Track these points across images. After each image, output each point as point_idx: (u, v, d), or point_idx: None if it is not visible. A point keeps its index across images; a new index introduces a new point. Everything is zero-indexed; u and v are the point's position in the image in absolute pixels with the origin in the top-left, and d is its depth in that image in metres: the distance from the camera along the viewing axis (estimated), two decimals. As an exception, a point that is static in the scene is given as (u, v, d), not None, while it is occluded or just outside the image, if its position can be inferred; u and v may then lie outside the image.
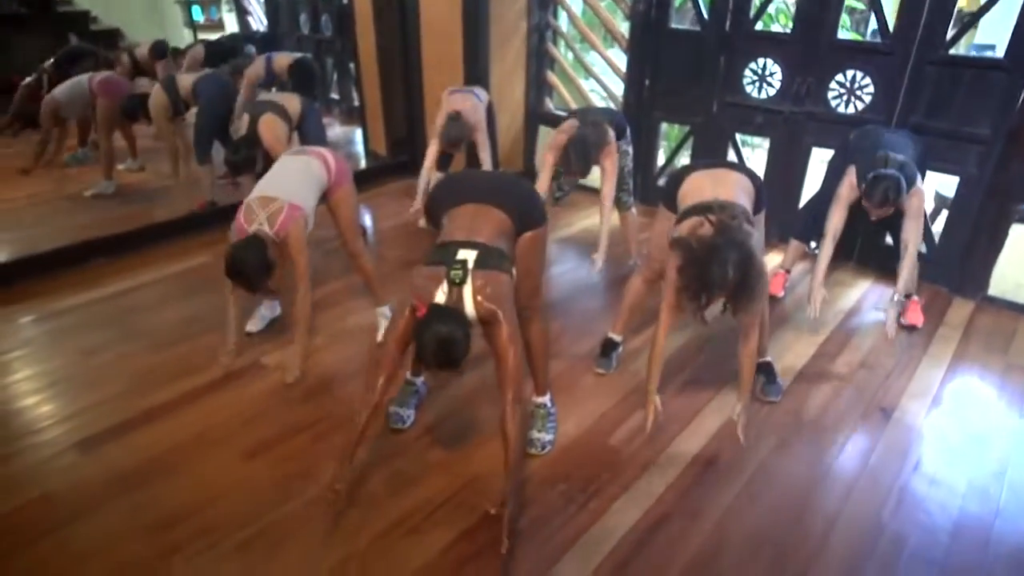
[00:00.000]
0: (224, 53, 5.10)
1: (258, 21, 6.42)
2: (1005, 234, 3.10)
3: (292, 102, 3.43)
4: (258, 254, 2.32)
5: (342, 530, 1.91)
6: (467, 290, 1.78)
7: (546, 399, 2.31)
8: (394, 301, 3.03)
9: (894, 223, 2.95)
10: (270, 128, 3.23)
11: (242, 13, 6.19)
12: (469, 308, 1.78)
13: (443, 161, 3.81)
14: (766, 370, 2.55)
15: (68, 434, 2.29)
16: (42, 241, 3.59)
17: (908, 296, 3.05)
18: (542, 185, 3.09)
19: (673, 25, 3.85)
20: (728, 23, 3.63)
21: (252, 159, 3.12)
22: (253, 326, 2.90)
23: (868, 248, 3.55)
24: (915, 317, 3.02)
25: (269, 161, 3.18)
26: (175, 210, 4.07)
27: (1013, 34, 2.88)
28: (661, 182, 4.36)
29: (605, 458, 2.22)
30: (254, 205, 2.42)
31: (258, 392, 2.54)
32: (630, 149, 3.21)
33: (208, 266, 3.54)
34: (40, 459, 2.18)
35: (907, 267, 2.68)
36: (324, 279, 3.38)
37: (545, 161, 3.10)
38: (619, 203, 3.27)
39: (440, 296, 1.78)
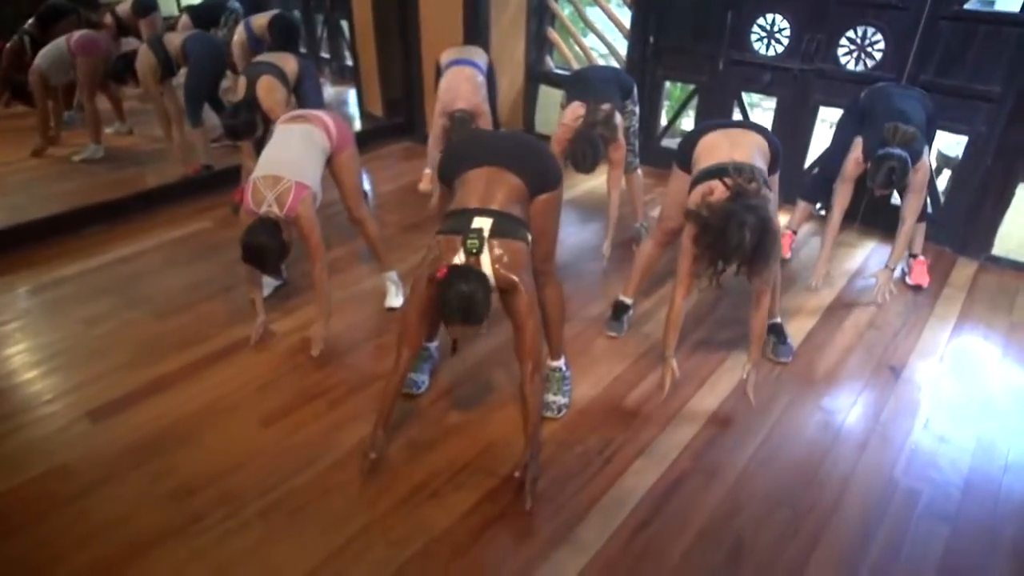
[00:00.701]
0: (211, 13, 4.90)
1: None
2: (1012, 194, 3.10)
3: (289, 63, 3.32)
4: (273, 239, 2.28)
5: (363, 496, 1.91)
6: (484, 259, 1.76)
7: (561, 363, 2.31)
8: (399, 268, 3.01)
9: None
10: (268, 91, 3.12)
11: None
12: (488, 276, 1.76)
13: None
14: (776, 331, 2.55)
15: (76, 405, 2.26)
16: (33, 209, 3.50)
17: (914, 256, 3.06)
18: None
19: None
20: (736, -23, 3.54)
21: (252, 123, 3.03)
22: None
23: (874, 209, 3.53)
24: (920, 277, 3.03)
25: (267, 124, 3.09)
26: (169, 175, 3.97)
27: (1029, -11, 2.83)
28: (665, 142, 4.31)
29: (621, 420, 2.23)
30: (260, 186, 2.34)
31: (269, 359, 2.51)
32: (636, 108, 3.14)
33: (208, 231, 3.49)
34: (49, 431, 2.16)
35: (902, 239, 2.71)
36: (328, 245, 3.26)
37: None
38: (625, 164, 3.22)
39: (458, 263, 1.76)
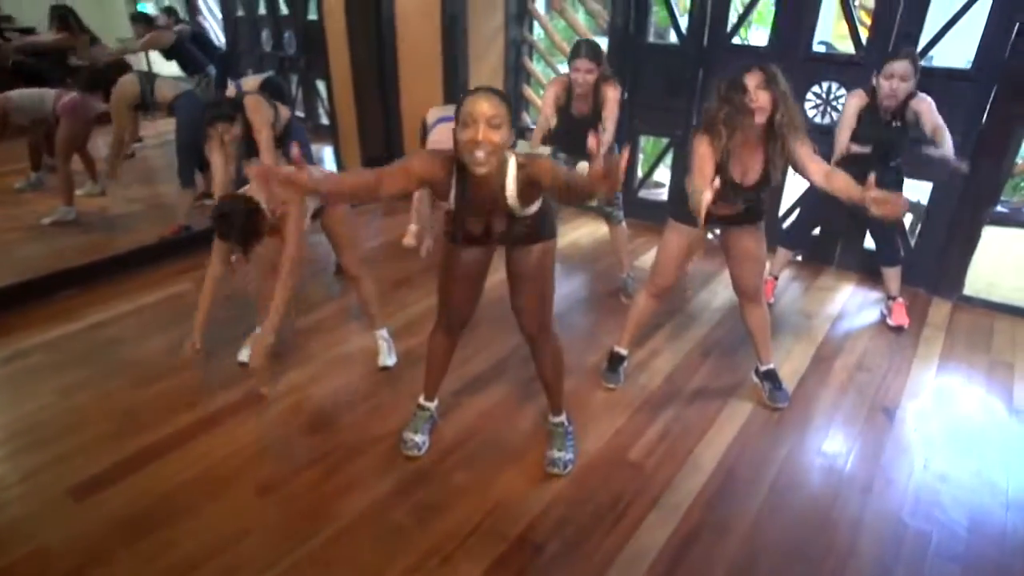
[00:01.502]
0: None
1: (215, 39, 6.24)
2: (978, 236, 3.25)
3: (283, 109, 3.34)
4: (244, 206, 2.26)
5: (373, 565, 1.83)
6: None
7: (563, 418, 2.28)
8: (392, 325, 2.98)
9: (873, 223, 3.07)
10: (255, 108, 3.11)
11: (193, 13, 5.98)
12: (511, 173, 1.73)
13: None
14: (771, 377, 2.59)
15: (55, 482, 2.13)
16: (1, 274, 3.36)
17: (893, 298, 3.16)
18: (535, 139, 3.08)
19: (651, 40, 3.91)
20: (706, 38, 3.72)
21: (232, 116, 3.02)
22: (247, 355, 2.76)
23: (848, 252, 3.67)
24: (900, 318, 3.13)
25: (249, 143, 3.08)
26: (144, 236, 3.87)
27: (979, 48, 3.04)
28: (642, 194, 4.42)
29: (628, 474, 2.20)
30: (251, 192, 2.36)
31: (260, 424, 2.42)
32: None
33: (187, 294, 3.39)
34: (27, 512, 2.02)
35: (947, 146, 2.64)
36: (316, 303, 3.29)
37: (545, 101, 3.06)
38: (609, 217, 3.28)
39: None
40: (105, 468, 2.18)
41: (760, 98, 1.99)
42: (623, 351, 2.71)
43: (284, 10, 6.06)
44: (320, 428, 2.40)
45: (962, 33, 3.09)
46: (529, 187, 1.75)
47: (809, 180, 2.11)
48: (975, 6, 3.01)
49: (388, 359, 2.77)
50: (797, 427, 2.45)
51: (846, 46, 3.45)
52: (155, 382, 2.65)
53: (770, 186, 2.18)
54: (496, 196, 1.76)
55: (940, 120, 2.71)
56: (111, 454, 2.25)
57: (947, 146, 2.64)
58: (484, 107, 1.58)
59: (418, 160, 1.75)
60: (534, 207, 1.84)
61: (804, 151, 2.07)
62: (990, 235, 3.26)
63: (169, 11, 5.31)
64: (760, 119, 2.02)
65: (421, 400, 2.35)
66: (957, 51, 3.35)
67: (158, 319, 3.14)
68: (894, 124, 2.82)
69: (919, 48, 3.13)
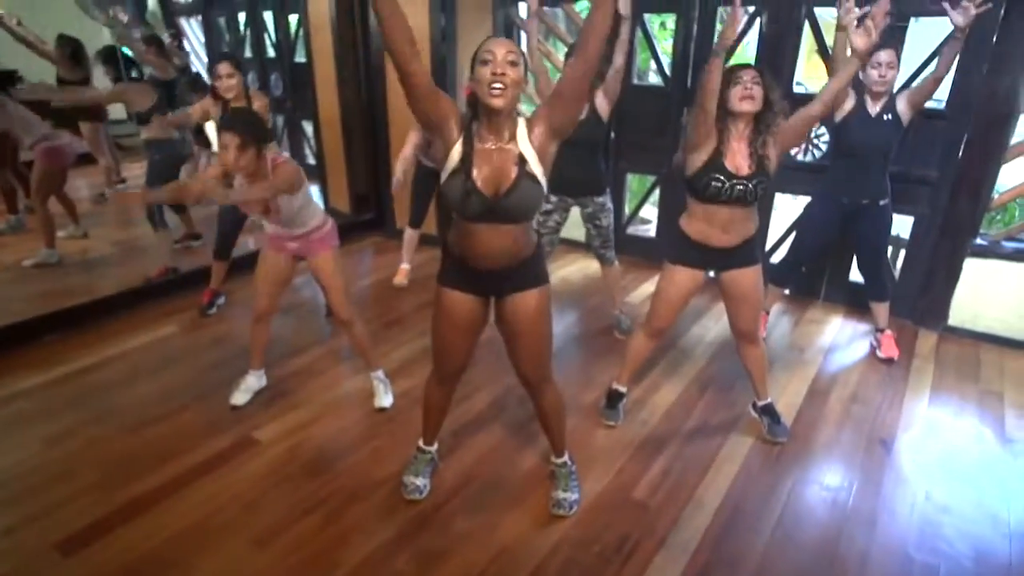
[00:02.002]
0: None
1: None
2: (960, 268, 3.34)
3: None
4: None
5: (377, 618, 1.77)
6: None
7: (565, 458, 2.25)
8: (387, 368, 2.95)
9: (861, 258, 3.15)
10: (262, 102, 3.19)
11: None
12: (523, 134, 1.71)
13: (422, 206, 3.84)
14: (770, 412, 2.60)
15: (42, 536, 2.04)
16: (-17, 318, 3.28)
17: (881, 330, 3.21)
18: None
19: (635, 82, 4.02)
20: (690, 79, 3.83)
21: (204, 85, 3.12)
22: (239, 399, 2.72)
23: (834, 286, 3.74)
24: (890, 350, 3.17)
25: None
26: (128, 278, 3.81)
27: (951, 88, 3.17)
28: (630, 230, 4.48)
29: (633, 513, 2.18)
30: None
31: (255, 472, 2.35)
32: (611, 205, 3.19)
33: (174, 337, 3.33)
34: (13, 567, 1.93)
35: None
36: (307, 345, 3.24)
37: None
38: (603, 259, 3.27)
39: None
40: (94, 521, 2.10)
41: (754, 90, 2.10)
42: (622, 388, 2.70)
43: (271, 53, 6.15)
44: (317, 473, 2.34)
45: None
46: (545, 140, 1.72)
47: (817, 120, 2.23)
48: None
49: (385, 400, 2.74)
50: (798, 461, 2.45)
51: (818, 85, 3.57)
52: (144, 429, 2.58)
53: (768, 177, 2.20)
54: (504, 166, 1.69)
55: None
56: (100, 506, 2.17)
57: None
58: (502, 46, 1.63)
59: (445, 98, 1.71)
60: (541, 176, 1.74)
61: (793, 120, 2.18)
62: (971, 267, 3.34)
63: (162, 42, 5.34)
64: (750, 108, 2.11)
65: (421, 444, 2.31)
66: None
67: (145, 363, 3.07)
68: (885, 118, 2.87)
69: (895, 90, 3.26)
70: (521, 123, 1.72)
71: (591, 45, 1.62)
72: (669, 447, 2.52)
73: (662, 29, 5.38)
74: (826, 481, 2.36)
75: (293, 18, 5.56)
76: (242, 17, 6.28)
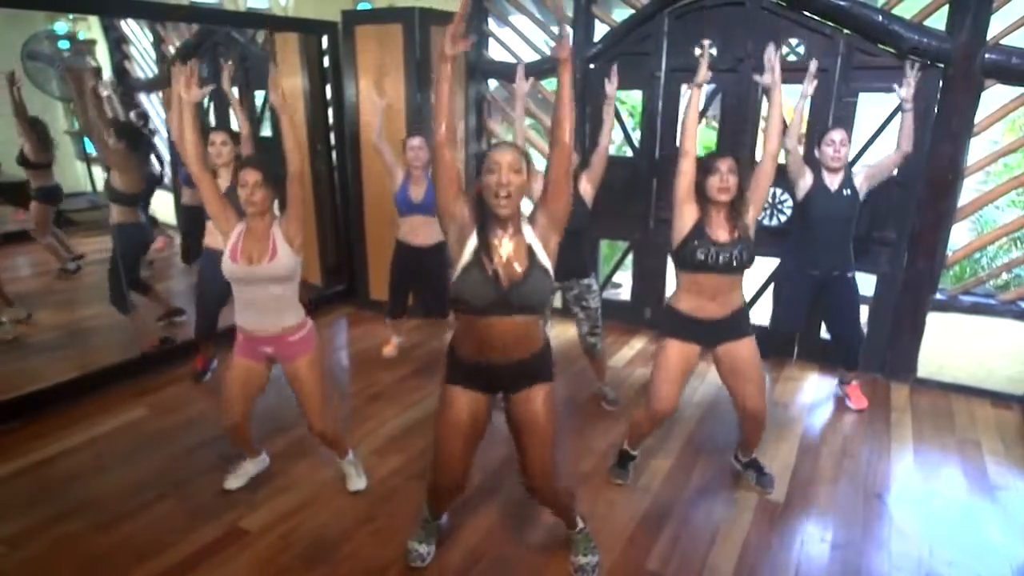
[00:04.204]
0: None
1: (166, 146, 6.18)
2: (923, 322, 3.52)
3: None
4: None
5: None
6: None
7: (580, 524, 2.22)
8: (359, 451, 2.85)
9: (833, 331, 3.28)
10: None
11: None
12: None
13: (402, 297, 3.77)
14: (755, 465, 2.66)
15: (8, 653, 1.84)
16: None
17: (846, 383, 3.34)
18: None
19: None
20: (657, 150, 4.02)
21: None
22: (233, 482, 2.56)
23: (807, 345, 3.87)
24: (859, 402, 3.31)
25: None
26: (85, 361, 3.58)
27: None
28: (604, 295, 4.55)
29: (650, 586, 2.13)
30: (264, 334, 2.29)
31: (246, 565, 2.20)
32: (596, 285, 3.21)
33: (144, 420, 3.15)
34: None
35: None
36: (291, 423, 3.09)
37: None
38: (591, 349, 3.24)
39: None
40: (68, 632, 1.91)
41: (729, 181, 2.23)
42: (634, 452, 2.68)
43: (235, 127, 6.14)
44: (315, 563, 2.21)
45: (887, 143, 3.48)
46: (547, 231, 1.82)
47: (776, 154, 2.38)
48: (896, 118, 3.41)
49: (358, 483, 2.59)
50: (802, 521, 2.46)
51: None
52: (118, 524, 2.39)
53: (749, 243, 2.29)
54: (515, 258, 1.77)
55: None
56: (74, 614, 1.97)
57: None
58: (506, 155, 1.73)
59: (467, 202, 1.82)
60: (549, 267, 1.81)
61: (757, 173, 2.35)
62: (933, 321, 3.52)
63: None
64: (726, 198, 2.25)
65: (427, 513, 2.24)
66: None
67: (115, 451, 2.87)
68: (845, 192, 3.05)
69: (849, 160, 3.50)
70: (524, 219, 1.83)
71: (565, 135, 1.77)
72: (674, 513, 2.49)
73: (621, 103, 5.65)
74: (832, 539, 2.36)
75: (259, 94, 5.61)
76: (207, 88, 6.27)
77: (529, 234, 1.80)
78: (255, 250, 2.22)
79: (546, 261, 1.80)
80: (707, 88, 3.94)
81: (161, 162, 5.25)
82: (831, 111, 3.51)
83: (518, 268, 1.76)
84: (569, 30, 1.68)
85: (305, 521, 2.41)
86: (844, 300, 3.19)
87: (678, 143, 2.38)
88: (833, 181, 3.06)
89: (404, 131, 4.04)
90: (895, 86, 3.04)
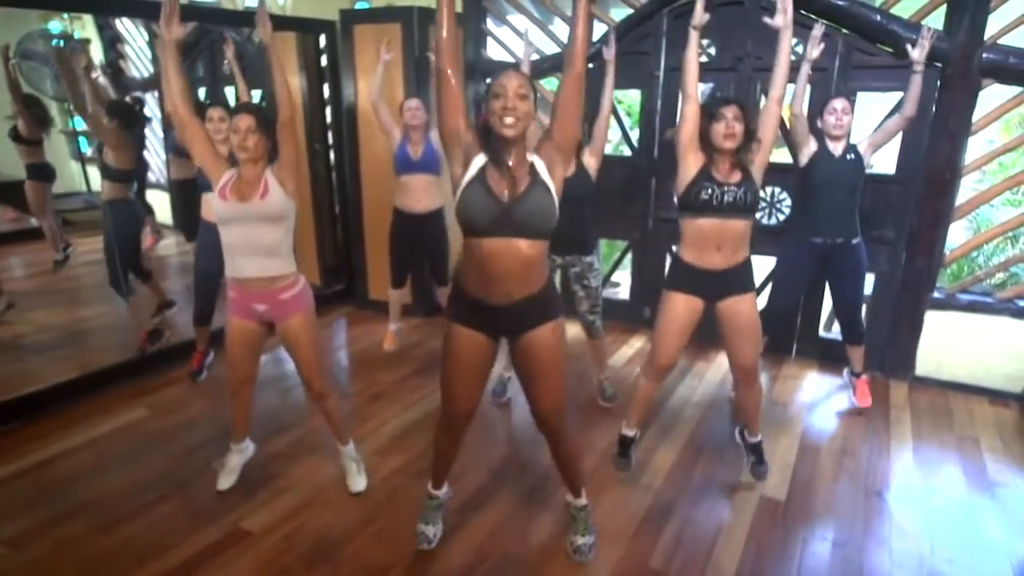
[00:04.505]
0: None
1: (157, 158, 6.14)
2: (921, 320, 3.53)
3: None
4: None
5: None
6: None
7: (583, 498, 2.26)
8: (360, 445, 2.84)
9: (839, 306, 3.28)
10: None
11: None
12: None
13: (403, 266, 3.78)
14: (757, 451, 2.65)
15: (10, 656, 1.83)
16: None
17: (857, 375, 3.33)
18: None
19: (606, 152, 4.18)
20: (656, 150, 4.03)
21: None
22: (225, 482, 2.55)
23: (805, 342, 3.88)
24: (865, 399, 3.30)
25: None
26: (85, 360, 3.58)
27: (899, 156, 3.45)
28: (604, 293, 4.55)
29: (654, 584, 2.13)
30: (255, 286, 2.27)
31: (249, 566, 2.19)
32: (598, 264, 3.26)
33: (144, 421, 3.13)
34: None
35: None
36: (290, 424, 3.10)
37: None
38: (591, 328, 3.26)
39: None
40: (71, 634, 1.90)
41: (735, 128, 2.24)
42: (631, 432, 2.69)
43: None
44: (318, 564, 2.20)
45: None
46: (552, 153, 1.82)
47: (777, 113, 2.35)
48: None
49: (359, 483, 2.57)
50: (803, 518, 2.47)
51: (778, 155, 3.80)
52: (119, 525, 2.38)
53: (754, 184, 2.31)
54: (517, 176, 1.77)
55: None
56: (77, 616, 1.96)
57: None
58: (512, 80, 1.72)
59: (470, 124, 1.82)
60: (552, 187, 1.80)
61: (764, 117, 2.34)
62: (931, 319, 3.53)
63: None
64: (731, 145, 2.26)
65: (430, 489, 2.27)
66: (883, 158, 3.74)
67: (115, 452, 2.86)
68: (848, 157, 3.03)
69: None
70: (533, 155, 1.82)
71: (578, 59, 1.76)
72: (676, 512, 2.49)
73: (618, 102, 5.66)
74: (834, 537, 2.37)
75: (256, 94, 5.59)
76: (202, 93, 6.27)
77: (534, 156, 1.80)
78: (246, 189, 2.20)
79: (549, 180, 1.78)
80: (706, 87, 3.97)
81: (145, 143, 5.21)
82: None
83: (520, 184, 1.76)
84: (595, 24, 1.69)
85: (307, 522, 2.41)
86: (850, 266, 3.14)
87: (680, 88, 2.39)
88: (836, 148, 3.05)
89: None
90: (908, 47, 3.02)
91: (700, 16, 2.39)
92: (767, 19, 2.47)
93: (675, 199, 2.41)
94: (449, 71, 1.75)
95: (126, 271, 3.81)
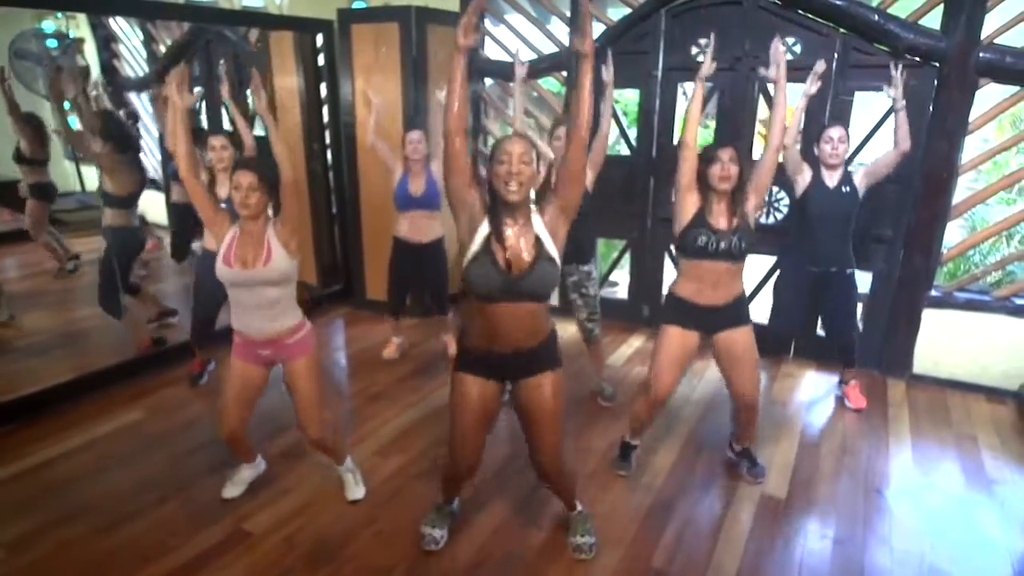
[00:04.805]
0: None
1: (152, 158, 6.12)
2: (919, 318, 3.55)
3: None
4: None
5: None
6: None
7: (579, 507, 2.31)
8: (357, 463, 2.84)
9: (830, 328, 3.30)
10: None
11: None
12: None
13: (401, 296, 3.76)
14: (748, 455, 2.70)
15: (12, 659, 1.82)
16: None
17: (846, 383, 3.35)
18: None
19: (604, 151, 4.19)
20: (655, 149, 4.03)
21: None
22: (232, 491, 2.53)
23: (803, 344, 3.89)
24: (858, 402, 3.31)
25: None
26: (82, 361, 3.56)
27: (898, 155, 3.46)
28: (601, 293, 4.56)
29: (656, 584, 2.13)
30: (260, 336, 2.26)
31: (251, 567, 2.19)
32: (595, 272, 3.26)
33: (143, 423, 3.12)
34: None
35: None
36: (287, 423, 3.05)
37: None
38: (589, 335, 3.26)
39: None
40: (73, 637, 1.89)
41: (731, 170, 2.27)
42: (634, 441, 2.72)
43: (227, 126, 6.10)
44: (320, 564, 2.20)
45: (882, 141, 3.51)
46: (556, 221, 1.86)
47: (773, 164, 2.38)
48: (891, 117, 3.43)
49: (357, 492, 2.55)
50: (804, 517, 2.48)
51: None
52: (120, 527, 2.37)
53: (749, 231, 2.33)
54: (523, 248, 1.81)
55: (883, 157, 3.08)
56: (78, 618, 1.96)
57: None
58: (516, 146, 1.79)
59: (478, 188, 1.86)
60: (557, 257, 1.85)
61: (760, 164, 2.38)
62: (928, 317, 3.55)
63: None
64: (727, 187, 2.29)
65: (439, 499, 2.31)
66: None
67: (114, 453, 2.85)
68: (843, 190, 3.06)
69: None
70: (533, 208, 1.86)
71: (582, 118, 1.79)
72: (677, 511, 2.50)
73: (615, 101, 5.66)
74: (834, 535, 2.38)
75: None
76: (197, 91, 6.24)
77: (538, 224, 1.84)
78: (249, 253, 2.19)
79: (554, 252, 1.85)
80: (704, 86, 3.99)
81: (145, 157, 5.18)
82: (827, 109, 3.54)
83: (526, 257, 1.80)
84: (594, 24, 1.75)
85: (308, 522, 2.40)
86: (842, 297, 3.20)
87: (679, 136, 2.42)
88: (831, 178, 3.07)
89: (401, 129, 4.03)
90: (884, 86, 3.07)
91: (708, 68, 2.41)
92: (762, 71, 2.54)
93: (673, 236, 2.45)
94: (457, 137, 1.79)
95: (118, 294, 3.75)
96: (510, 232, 1.80)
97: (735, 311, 2.45)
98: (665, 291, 2.60)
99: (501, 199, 1.79)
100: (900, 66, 3.04)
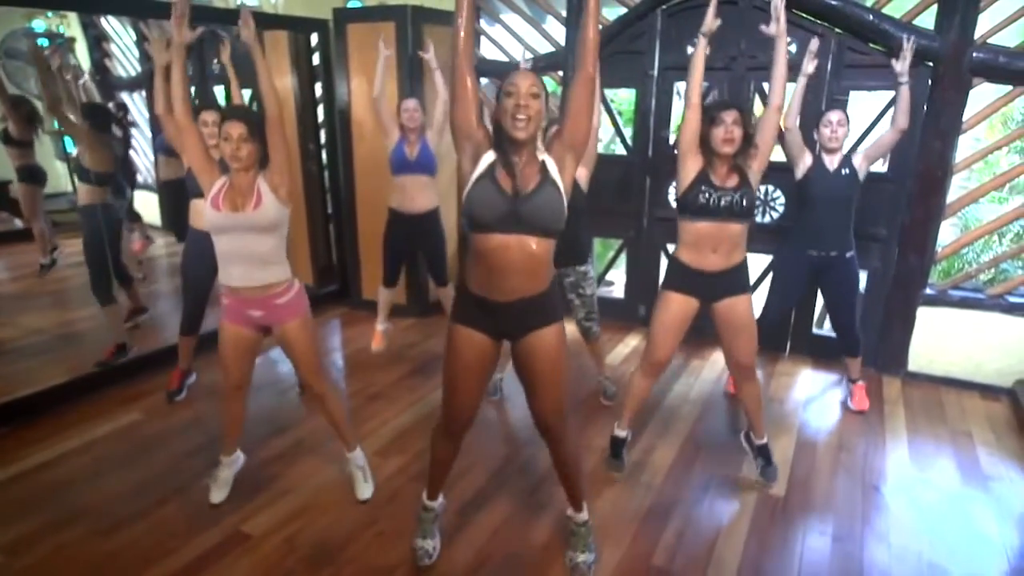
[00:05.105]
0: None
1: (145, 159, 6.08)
2: (914, 317, 3.58)
3: None
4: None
5: None
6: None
7: (585, 513, 2.22)
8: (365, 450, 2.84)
9: (835, 317, 3.31)
10: None
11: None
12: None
13: (395, 267, 3.75)
14: (764, 453, 2.67)
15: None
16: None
17: (854, 381, 3.36)
18: None
19: (600, 151, 4.19)
20: (651, 149, 4.04)
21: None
22: (217, 496, 2.50)
23: (799, 339, 3.92)
24: (862, 403, 3.31)
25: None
26: (78, 364, 3.53)
27: (892, 154, 3.46)
28: (598, 292, 4.57)
29: (658, 581, 2.14)
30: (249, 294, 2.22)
31: (251, 569, 2.18)
32: (592, 272, 3.26)
33: (140, 424, 3.10)
34: None
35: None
36: (286, 426, 3.08)
37: None
38: (588, 333, 3.27)
39: None
40: (73, 640, 1.88)
41: (734, 133, 2.27)
42: (622, 433, 2.73)
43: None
44: (320, 566, 2.19)
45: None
46: (562, 153, 1.81)
47: (776, 122, 2.39)
48: (885, 117, 3.46)
49: (365, 490, 2.54)
50: (803, 514, 2.49)
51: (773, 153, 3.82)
52: (119, 530, 2.35)
53: (751, 189, 2.34)
54: (527, 173, 1.77)
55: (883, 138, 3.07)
56: (78, 622, 1.94)
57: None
58: (525, 79, 1.73)
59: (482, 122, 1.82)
60: (562, 186, 1.80)
61: (762, 124, 2.37)
62: (922, 315, 3.58)
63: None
64: (730, 150, 2.29)
65: (424, 501, 2.24)
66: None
67: (111, 455, 2.83)
68: (843, 172, 3.06)
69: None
70: (540, 147, 1.83)
71: (589, 59, 1.77)
72: (677, 509, 2.51)
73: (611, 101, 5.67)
74: (833, 532, 2.40)
75: (246, 92, 5.54)
76: (191, 91, 6.20)
77: (544, 155, 1.81)
78: (239, 198, 2.17)
79: (559, 179, 1.78)
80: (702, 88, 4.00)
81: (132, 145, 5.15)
82: (822, 109, 3.55)
83: (530, 182, 1.75)
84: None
85: (308, 524, 2.40)
86: (844, 279, 3.18)
87: (683, 94, 2.41)
88: (832, 161, 3.08)
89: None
90: (892, 60, 3.05)
91: (711, 22, 2.40)
92: (763, 27, 2.50)
93: (674, 201, 2.44)
94: (465, 70, 1.75)
95: (109, 277, 3.71)
96: (516, 159, 1.76)
97: (736, 277, 2.45)
98: (670, 254, 2.60)
99: (508, 137, 1.74)
100: (911, 38, 3.03)
